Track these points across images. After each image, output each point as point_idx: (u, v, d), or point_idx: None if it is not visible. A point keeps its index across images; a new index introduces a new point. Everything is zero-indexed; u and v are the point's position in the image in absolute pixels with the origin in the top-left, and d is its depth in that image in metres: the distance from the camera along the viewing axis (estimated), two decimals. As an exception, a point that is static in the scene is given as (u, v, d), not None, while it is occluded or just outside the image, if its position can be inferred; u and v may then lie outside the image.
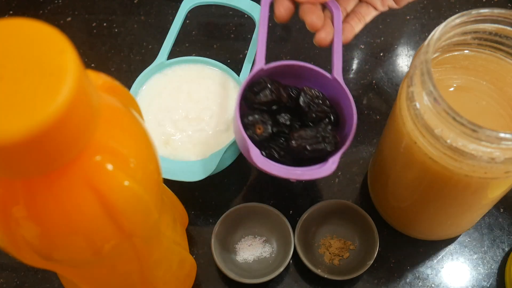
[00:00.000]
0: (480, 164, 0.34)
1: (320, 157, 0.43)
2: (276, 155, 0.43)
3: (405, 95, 0.37)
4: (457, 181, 0.37)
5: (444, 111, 0.33)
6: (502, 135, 0.32)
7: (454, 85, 0.42)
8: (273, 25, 0.64)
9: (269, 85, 0.43)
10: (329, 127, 0.43)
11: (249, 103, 0.44)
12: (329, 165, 0.42)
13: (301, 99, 0.44)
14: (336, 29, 0.47)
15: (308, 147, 0.42)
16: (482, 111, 0.40)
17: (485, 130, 0.32)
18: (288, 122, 0.45)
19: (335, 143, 0.43)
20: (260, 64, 0.45)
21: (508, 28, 0.38)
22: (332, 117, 0.45)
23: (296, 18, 0.46)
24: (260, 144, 0.43)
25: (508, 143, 0.33)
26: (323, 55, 0.61)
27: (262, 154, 0.43)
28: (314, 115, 0.44)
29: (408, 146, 0.38)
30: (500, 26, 0.38)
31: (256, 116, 0.43)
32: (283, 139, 0.44)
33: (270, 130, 0.43)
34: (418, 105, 0.35)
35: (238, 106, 0.43)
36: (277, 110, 0.45)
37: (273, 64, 0.45)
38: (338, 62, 0.46)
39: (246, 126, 0.43)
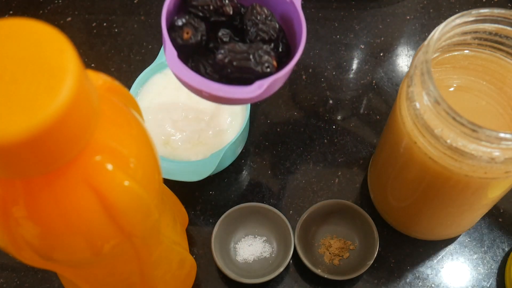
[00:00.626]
0: (480, 164, 0.34)
1: (248, 79, 0.36)
2: (202, 70, 0.38)
3: (405, 95, 0.37)
4: (457, 181, 0.37)
5: (444, 111, 0.33)
6: (502, 135, 0.32)
7: (454, 85, 0.42)
8: None
9: None
10: (269, 48, 0.37)
11: (186, 4, 0.39)
12: (253, 87, 0.36)
13: (247, 15, 0.39)
14: None
15: (234, 63, 0.36)
16: (482, 111, 0.41)
17: (485, 130, 0.32)
18: (226, 39, 0.39)
19: (269, 66, 0.36)
20: None
21: (508, 28, 0.38)
22: (280, 45, 0.39)
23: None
24: (186, 51, 0.38)
25: (508, 143, 0.32)
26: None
27: (188, 66, 0.38)
28: (258, 34, 0.38)
29: (408, 146, 0.38)
30: (500, 26, 0.38)
31: (188, 18, 0.37)
32: (214, 55, 0.38)
33: (199, 38, 0.37)
34: (418, 105, 0.36)
35: (167, 3, 0.38)
36: (218, 23, 0.39)
37: None
38: None
39: (174, 28, 0.38)
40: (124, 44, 0.65)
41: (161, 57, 0.55)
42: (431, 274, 0.50)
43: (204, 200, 0.54)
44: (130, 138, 0.28)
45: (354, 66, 0.62)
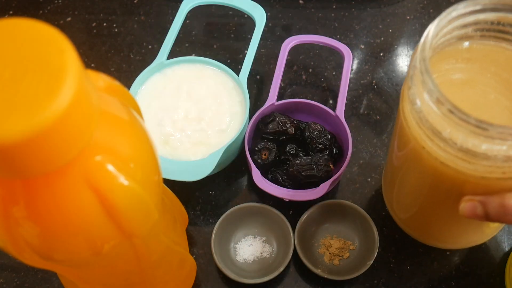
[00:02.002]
0: (497, 164, 0.32)
1: (315, 182, 0.49)
2: (280, 179, 0.51)
3: (407, 98, 0.35)
4: (475, 184, 0.34)
5: (449, 110, 0.31)
6: None
7: (458, 81, 0.39)
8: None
9: (277, 118, 0.52)
10: (325, 156, 0.50)
11: (260, 132, 0.53)
12: (319, 189, 0.49)
13: (306, 133, 0.52)
14: (344, 74, 0.55)
15: (302, 173, 0.49)
16: (489, 106, 0.38)
17: (496, 127, 0.29)
18: (293, 151, 0.53)
19: (327, 170, 0.50)
20: (273, 99, 0.54)
21: (510, 15, 0.36)
22: (333, 149, 0.52)
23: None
24: (266, 168, 0.52)
25: None
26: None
27: (268, 177, 0.51)
28: (315, 146, 0.52)
29: (416, 152, 0.36)
30: (501, 14, 0.36)
31: (263, 143, 0.52)
32: (286, 165, 0.52)
33: (274, 157, 0.51)
34: (421, 107, 0.34)
35: (247, 134, 0.52)
36: (286, 140, 0.53)
37: (284, 101, 0.54)
38: (342, 102, 0.53)
39: (255, 151, 0.51)
40: (124, 44, 0.65)
41: (161, 57, 0.55)
42: (431, 274, 0.50)
43: (204, 200, 0.54)
44: (130, 138, 0.28)
45: (354, 66, 0.62)
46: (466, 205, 0.35)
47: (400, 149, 0.40)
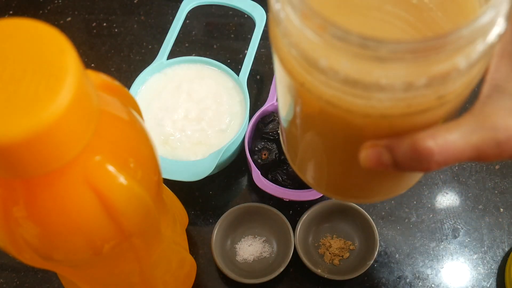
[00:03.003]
0: (396, 96, 0.23)
1: None
2: (280, 179, 0.51)
3: (273, 18, 0.25)
4: (375, 126, 0.26)
5: (320, 27, 0.22)
6: (414, 45, 0.21)
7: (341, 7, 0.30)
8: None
9: (277, 118, 0.52)
10: None
11: (260, 132, 0.53)
12: None
13: None
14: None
15: None
16: (377, 26, 0.29)
17: (387, 44, 0.21)
18: None
19: None
20: (273, 99, 0.54)
21: None
22: None
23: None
24: (266, 168, 0.51)
25: (427, 54, 0.21)
26: None
27: (268, 177, 0.51)
28: None
29: (297, 92, 0.27)
30: None
31: (263, 143, 0.52)
32: (286, 165, 0.52)
33: (274, 157, 0.51)
34: (289, 29, 0.24)
35: (247, 134, 0.52)
36: None
37: None
38: None
39: (255, 151, 0.51)
40: (124, 44, 0.65)
41: (161, 57, 0.55)
42: (431, 274, 0.50)
43: (204, 200, 0.54)
44: (130, 138, 0.28)
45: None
46: (368, 152, 0.26)
47: (282, 94, 0.31)
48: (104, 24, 0.66)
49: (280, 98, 0.31)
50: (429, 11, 0.28)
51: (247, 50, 0.56)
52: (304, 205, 0.51)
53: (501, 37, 0.23)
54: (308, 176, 0.37)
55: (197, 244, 0.52)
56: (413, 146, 0.24)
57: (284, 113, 0.32)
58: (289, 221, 0.50)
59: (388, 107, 0.24)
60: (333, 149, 0.31)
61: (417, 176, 0.36)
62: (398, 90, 0.23)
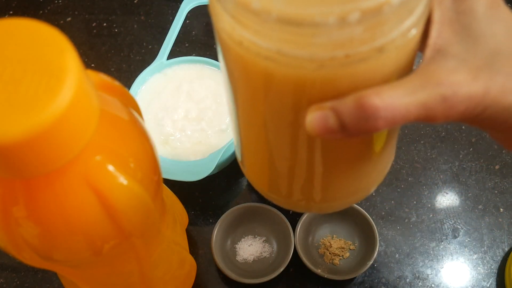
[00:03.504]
0: (333, 37, 0.22)
1: None
2: None
3: None
4: (318, 84, 0.24)
5: None
6: None
7: None
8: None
9: None
10: None
11: None
12: None
13: None
14: None
15: None
16: None
17: None
18: None
19: None
20: None
21: None
22: None
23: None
24: None
25: None
26: None
27: None
28: None
29: (236, 58, 0.26)
30: None
31: None
32: None
33: None
34: None
35: None
36: None
37: None
38: None
39: None
40: (124, 44, 0.65)
41: (161, 57, 0.55)
42: (431, 274, 0.50)
43: (204, 200, 0.54)
44: (130, 138, 0.28)
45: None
46: (313, 116, 0.24)
47: (225, 74, 0.29)
48: (104, 24, 0.66)
49: (224, 82, 0.30)
50: None
51: (247, 50, 0.56)
52: (304, 205, 0.51)
53: None
54: (258, 180, 0.35)
55: (197, 244, 0.52)
56: (358, 103, 0.23)
57: (229, 100, 0.30)
58: (289, 221, 0.50)
59: (326, 57, 0.23)
60: (279, 127, 0.28)
61: (376, 167, 0.33)
62: (332, 27, 0.22)
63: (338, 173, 0.31)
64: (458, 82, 0.23)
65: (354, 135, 0.24)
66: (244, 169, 0.35)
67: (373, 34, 0.22)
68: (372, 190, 0.34)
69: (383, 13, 0.22)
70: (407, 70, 0.26)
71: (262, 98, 0.27)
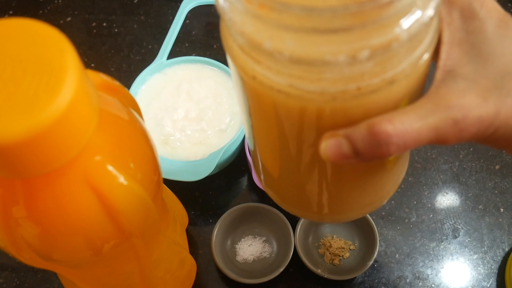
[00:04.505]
0: (343, 74, 0.23)
1: None
2: None
3: (219, 13, 0.26)
4: (330, 114, 0.25)
5: (260, 4, 0.22)
6: (349, 9, 0.21)
7: None
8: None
9: None
10: None
11: None
12: None
13: None
14: None
15: None
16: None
17: (323, 10, 0.21)
18: None
19: None
20: None
21: None
22: None
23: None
24: None
25: (367, 21, 0.21)
26: None
27: None
28: None
29: (251, 89, 0.27)
30: None
31: None
32: None
33: None
34: (233, 18, 0.24)
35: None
36: None
37: None
38: None
39: None
40: (124, 44, 0.65)
41: (161, 57, 0.55)
42: (431, 274, 0.50)
43: (204, 200, 0.54)
44: (130, 138, 0.28)
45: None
46: (327, 143, 0.25)
47: (239, 99, 0.30)
48: (104, 24, 0.66)
49: (239, 105, 0.31)
50: None
51: (247, 50, 0.56)
52: (304, 205, 0.51)
53: (438, 11, 0.23)
54: (275, 192, 0.36)
55: (197, 244, 0.52)
56: (370, 130, 0.23)
57: (245, 122, 0.32)
58: (289, 221, 0.50)
59: (338, 90, 0.23)
60: (294, 150, 0.30)
61: (390, 180, 0.34)
62: (343, 65, 0.22)
63: (352, 189, 0.32)
64: (468, 105, 0.23)
65: (368, 160, 0.25)
66: (260, 181, 0.37)
67: (384, 68, 0.23)
68: (386, 200, 0.35)
69: (392, 49, 0.22)
70: (418, 93, 0.27)
71: (275, 125, 0.28)
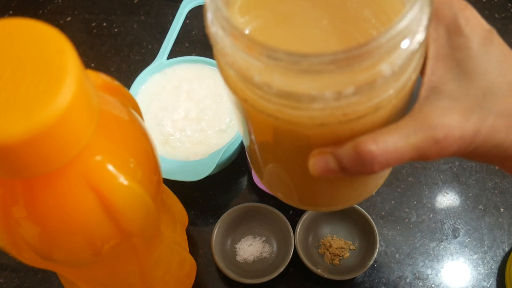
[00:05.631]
0: (330, 105, 0.24)
1: None
2: None
3: (211, 40, 0.28)
4: (318, 136, 0.27)
5: (248, 46, 0.24)
6: (336, 56, 0.22)
7: (283, 13, 0.30)
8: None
9: None
10: None
11: None
12: None
13: None
14: None
15: None
16: (323, 34, 0.29)
17: (308, 57, 0.23)
18: None
19: None
20: None
21: None
22: None
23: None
24: None
25: (350, 64, 0.22)
26: None
27: None
28: None
29: (243, 108, 0.28)
30: None
31: None
32: None
33: None
34: (224, 49, 0.26)
35: None
36: None
37: None
38: None
39: None
40: (124, 44, 0.65)
41: (161, 57, 0.55)
42: (431, 274, 0.50)
43: (204, 200, 0.54)
44: (130, 138, 0.28)
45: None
46: (315, 160, 0.27)
47: (234, 111, 0.32)
48: (104, 24, 0.66)
49: (235, 115, 0.33)
50: (365, 21, 0.29)
51: (247, 50, 0.56)
52: (304, 205, 0.51)
53: (422, 45, 0.24)
54: (276, 190, 0.38)
55: (197, 244, 0.52)
56: (355, 150, 0.25)
57: (241, 130, 0.34)
58: (289, 221, 0.50)
59: (325, 116, 0.25)
60: (288, 160, 0.32)
61: (377, 179, 0.35)
62: (329, 99, 0.24)
63: (342, 188, 0.34)
64: (449, 124, 0.24)
65: (354, 175, 0.26)
66: (262, 180, 0.39)
67: (369, 97, 0.24)
68: (374, 192, 0.37)
69: (377, 84, 0.23)
70: (403, 110, 0.27)
71: (270, 139, 0.30)
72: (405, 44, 0.23)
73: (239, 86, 0.27)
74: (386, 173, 0.36)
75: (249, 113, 0.28)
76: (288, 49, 0.23)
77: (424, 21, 0.24)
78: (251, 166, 0.39)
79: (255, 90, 0.26)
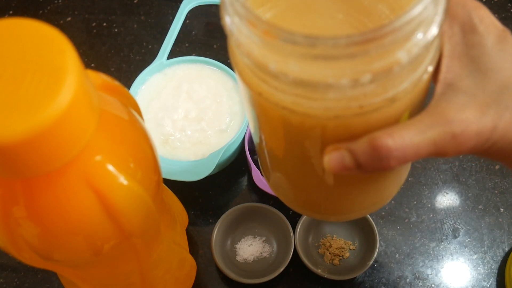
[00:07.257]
0: (346, 95, 0.24)
1: None
2: None
3: (227, 32, 0.27)
4: (333, 129, 0.26)
5: (265, 32, 0.23)
6: (351, 39, 0.22)
7: (299, 4, 0.30)
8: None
9: None
10: None
11: None
12: None
13: None
14: None
15: None
16: (335, 29, 0.29)
17: (325, 39, 0.22)
18: None
19: None
20: None
21: None
22: None
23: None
24: None
25: (367, 48, 0.22)
26: None
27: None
28: None
29: (257, 104, 0.28)
30: None
31: None
32: None
33: None
34: (240, 39, 0.25)
35: (247, 134, 0.50)
36: None
37: None
38: None
39: (255, 151, 0.50)
40: (124, 44, 0.65)
41: (161, 57, 0.55)
42: (431, 274, 0.50)
43: (204, 200, 0.54)
44: (130, 138, 0.28)
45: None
46: (330, 156, 0.26)
47: (247, 109, 0.31)
48: (104, 24, 0.66)
49: (247, 114, 0.32)
50: (381, 14, 0.28)
51: (247, 50, 0.56)
52: (304, 205, 0.51)
53: (437, 37, 0.24)
54: (282, 194, 0.37)
55: (197, 244, 0.52)
56: (371, 145, 0.24)
57: (253, 129, 0.33)
58: (289, 221, 0.50)
59: (340, 107, 0.24)
60: (299, 161, 0.31)
61: (390, 185, 0.35)
62: (345, 87, 0.23)
63: (354, 193, 0.33)
64: (467, 119, 0.24)
65: (370, 172, 0.26)
66: (269, 183, 0.38)
67: (385, 88, 0.24)
68: (389, 201, 0.36)
69: (394, 72, 0.23)
70: (419, 106, 0.27)
71: (282, 136, 0.29)
72: (421, 32, 0.23)
73: (254, 79, 0.26)
74: (401, 179, 0.35)
75: (263, 108, 0.28)
76: (304, 32, 0.22)
77: (440, 12, 0.24)
78: (261, 168, 0.39)
79: (271, 81, 0.25)
